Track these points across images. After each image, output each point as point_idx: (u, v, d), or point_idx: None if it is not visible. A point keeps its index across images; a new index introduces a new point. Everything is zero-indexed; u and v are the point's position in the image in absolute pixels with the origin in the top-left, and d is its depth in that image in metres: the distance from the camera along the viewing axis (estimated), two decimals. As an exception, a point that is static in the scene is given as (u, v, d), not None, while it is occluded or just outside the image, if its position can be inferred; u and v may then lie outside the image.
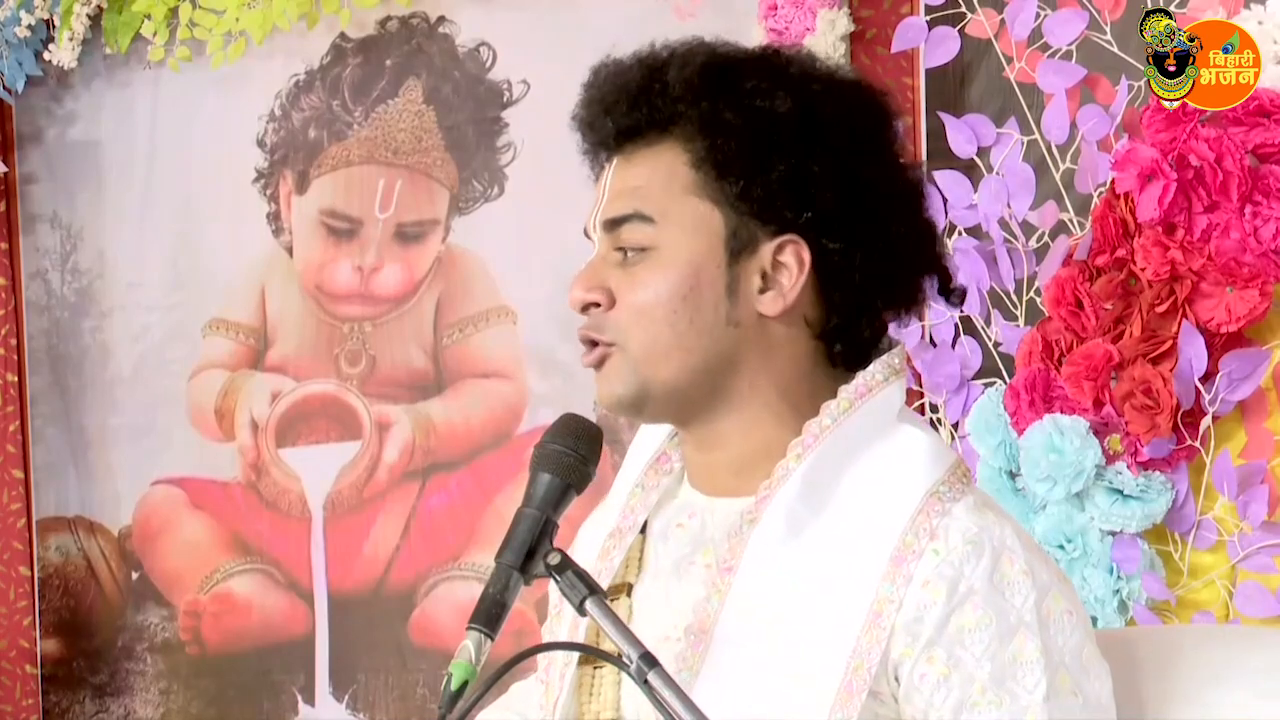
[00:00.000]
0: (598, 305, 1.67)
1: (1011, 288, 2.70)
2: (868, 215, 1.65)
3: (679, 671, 1.60)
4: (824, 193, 1.64)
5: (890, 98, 1.74)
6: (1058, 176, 2.69)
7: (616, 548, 1.72)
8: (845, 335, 1.68)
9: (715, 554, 1.67)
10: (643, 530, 1.73)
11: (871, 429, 1.65)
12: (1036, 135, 2.71)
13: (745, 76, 1.66)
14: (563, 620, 1.75)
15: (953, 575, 1.59)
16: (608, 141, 1.70)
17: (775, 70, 1.68)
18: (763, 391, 1.67)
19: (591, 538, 1.77)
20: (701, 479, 1.72)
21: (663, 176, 1.66)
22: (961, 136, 2.74)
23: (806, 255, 1.64)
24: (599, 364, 1.68)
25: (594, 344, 1.68)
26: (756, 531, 1.64)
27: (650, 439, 1.78)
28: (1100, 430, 2.53)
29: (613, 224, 1.67)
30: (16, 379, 3.82)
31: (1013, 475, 2.61)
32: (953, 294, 1.75)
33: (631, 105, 1.68)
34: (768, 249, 1.65)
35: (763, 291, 1.65)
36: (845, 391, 1.66)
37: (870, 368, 1.67)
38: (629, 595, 1.70)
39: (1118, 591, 2.52)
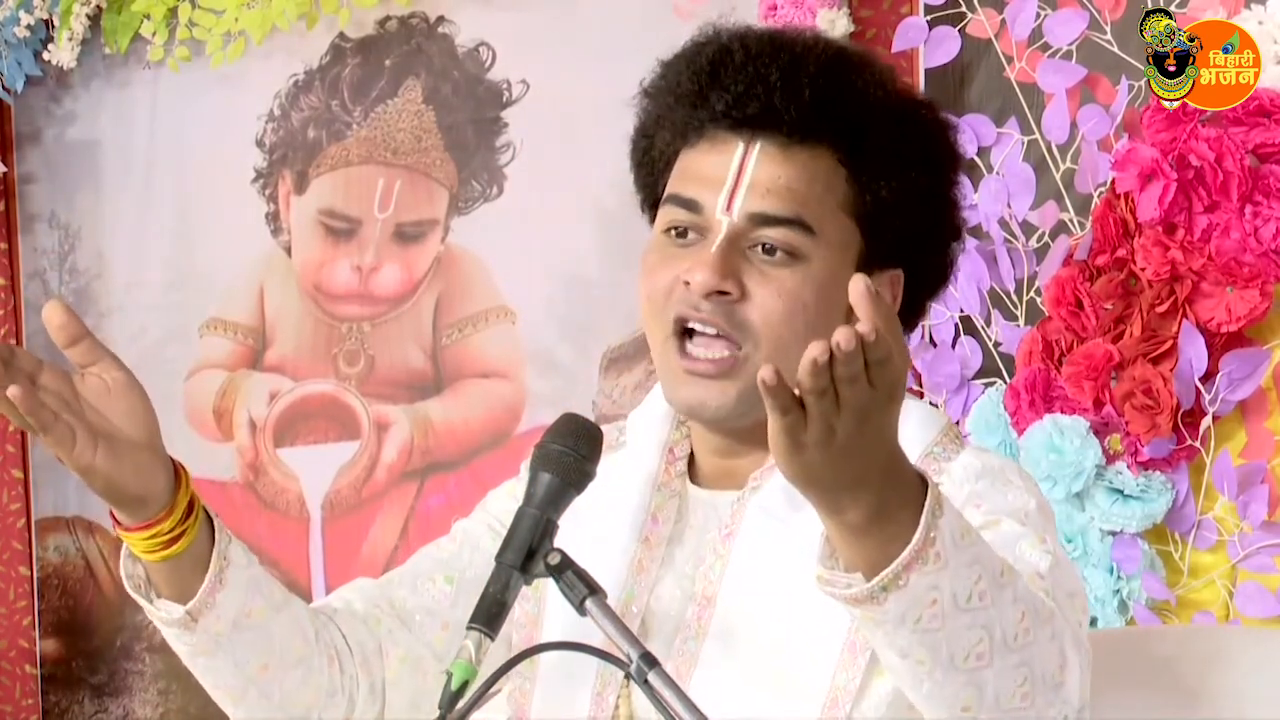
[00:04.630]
0: (727, 294, 1.62)
1: (1012, 288, 2.70)
2: (940, 259, 1.71)
3: (687, 640, 1.61)
4: (935, 239, 1.69)
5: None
6: (1058, 176, 2.69)
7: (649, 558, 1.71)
8: None
9: (719, 521, 1.68)
10: None
11: None
12: (1037, 135, 2.71)
13: (923, 109, 1.69)
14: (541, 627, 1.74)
15: (955, 490, 1.60)
16: (739, 128, 1.63)
17: (930, 114, 1.70)
18: None
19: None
20: (714, 478, 1.72)
21: (821, 186, 1.63)
22: (962, 136, 2.73)
23: (900, 286, 1.68)
24: (725, 371, 1.62)
25: (721, 338, 1.62)
26: (756, 499, 1.65)
27: (650, 422, 1.76)
28: (1100, 430, 2.53)
29: (768, 220, 1.62)
30: (15, 379, 3.82)
31: (1013, 475, 2.61)
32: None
33: (785, 98, 1.62)
34: (883, 279, 1.66)
35: None
36: None
37: None
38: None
39: (1118, 591, 2.52)
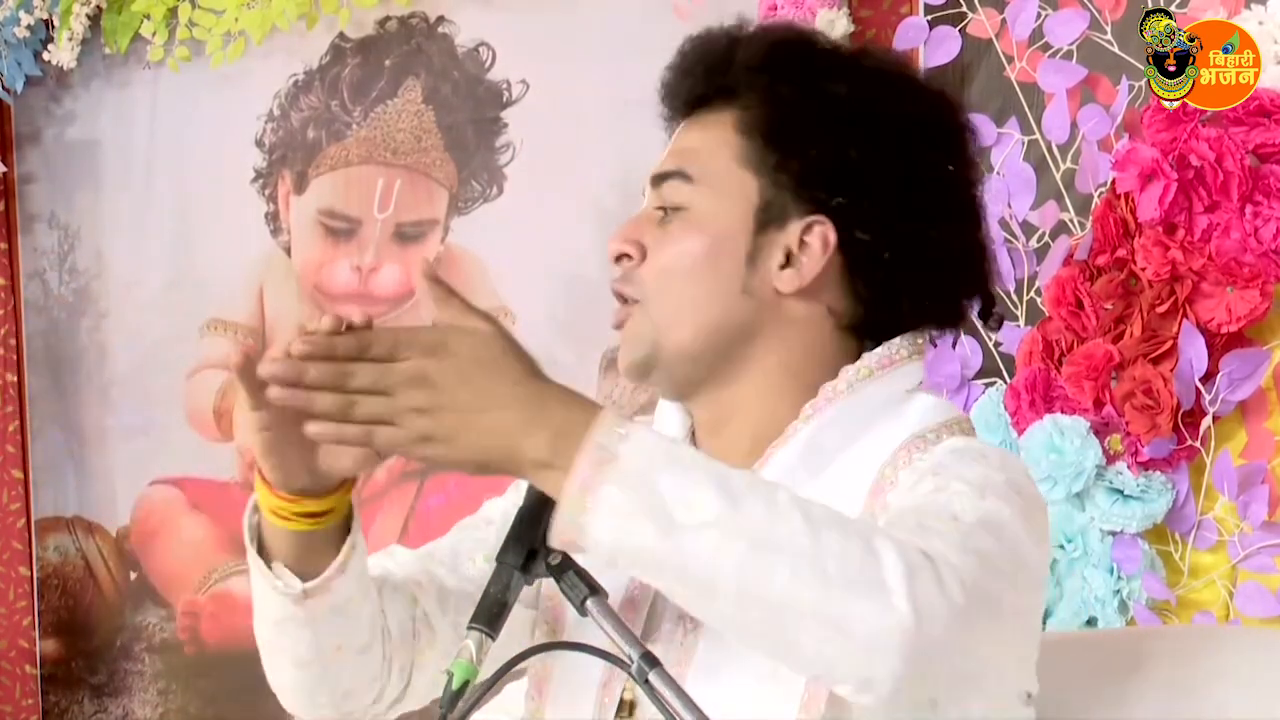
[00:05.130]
0: (629, 258, 1.68)
1: (1012, 288, 2.70)
2: (905, 215, 1.63)
3: (688, 633, 1.61)
4: (860, 181, 1.62)
5: (971, 122, 1.72)
6: (1058, 176, 2.69)
7: None
8: (868, 330, 1.67)
9: None
10: None
11: (886, 401, 1.64)
12: (1037, 135, 2.71)
13: (815, 59, 1.66)
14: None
15: (926, 462, 1.57)
16: (680, 107, 1.70)
17: (848, 59, 1.68)
18: (773, 367, 1.66)
19: None
20: (719, 446, 1.72)
21: (713, 140, 1.66)
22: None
23: (832, 239, 1.63)
24: (621, 325, 1.70)
25: (623, 300, 1.69)
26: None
27: (663, 414, 1.77)
28: (1100, 430, 2.53)
29: (657, 179, 1.68)
30: (15, 379, 3.82)
31: (1013, 475, 2.61)
32: (991, 318, 1.74)
33: (706, 73, 1.68)
34: (796, 226, 1.63)
35: (783, 268, 1.64)
36: (868, 358, 1.65)
37: (895, 340, 1.66)
38: None
39: (1118, 591, 2.52)
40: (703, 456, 1.41)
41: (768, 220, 1.64)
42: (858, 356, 1.66)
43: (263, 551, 1.58)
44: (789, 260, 1.64)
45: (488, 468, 1.41)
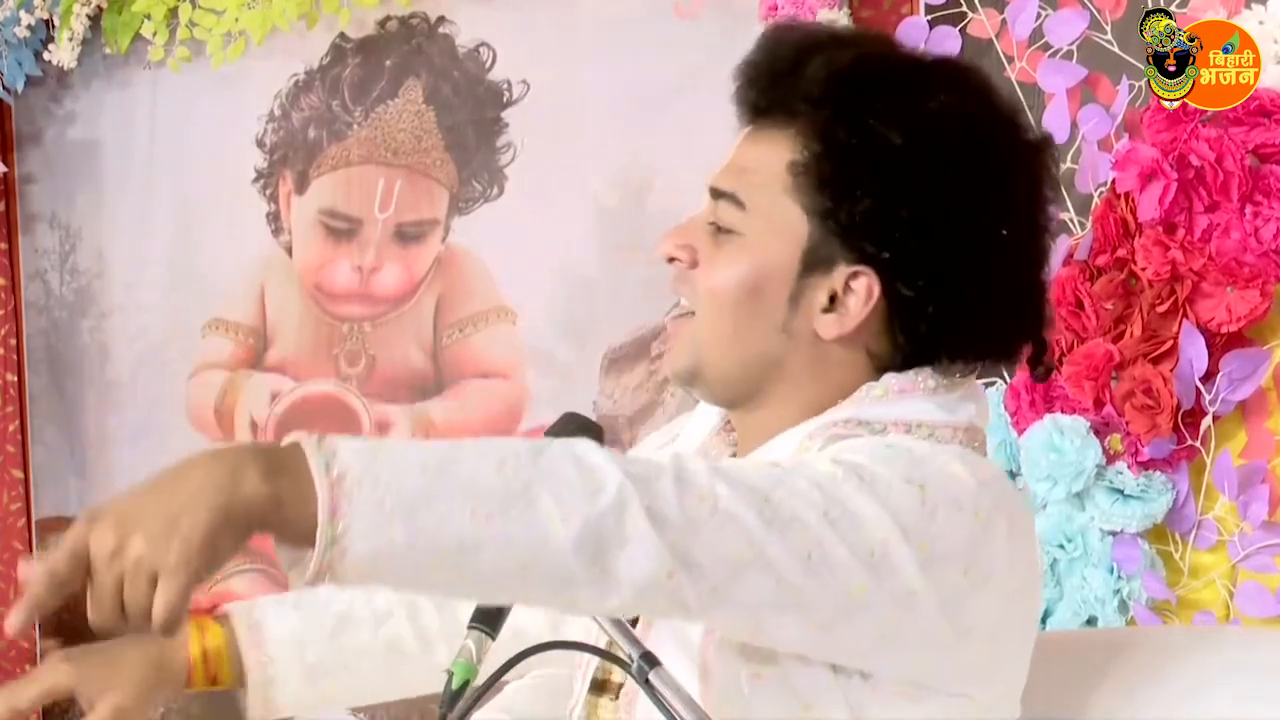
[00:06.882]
0: (676, 260, 1.66)
1: (1012, 288, 2.70)
2: (954, 271, 1.60)
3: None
4: (907, 236, 1.59)
5: (1048, 144, 1.69)
6: (1058, 176, 2.69)
7: None
8: (904, 369, 1.64)
9: None
10: None
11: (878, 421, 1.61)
12: (1037, 135, 2.70)
13: (880, 93, 1.60)
14: None
15: (850, 446, 1.55)
16: (744, 112, 1.67)
17: (917, 92, 1.61)
18: (806, 404, 1.64)
19: None
20: (743, 452, 1.71)
21: (769, 167, 1.63)
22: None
23: (876, 290, 1.60)
24: (679, 331, 1.70)
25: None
26: None
27: (706, 416, 1.77)
28: (1101, 430, 2.53)
29: (714, 194, 1.66)
30: (16, 379, 3.82)
31: (1013, 475, 2.61)
32: (1040, 366, 1.70)
33: (770, 84, 1.65)
34: (842, 273, 1.61)
35: (826, 311, 1.62)
36: (888, 381, 1.63)
37: (925, 369, 1.63)
38: None
39: (1118, 591, 2.52)
40: (399, 441, 1.39)
41: (814, 262, 1.61)
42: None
43: None
44: (832, 304, 1.62)
45: (231, 532, 1.31)
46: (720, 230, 1.64)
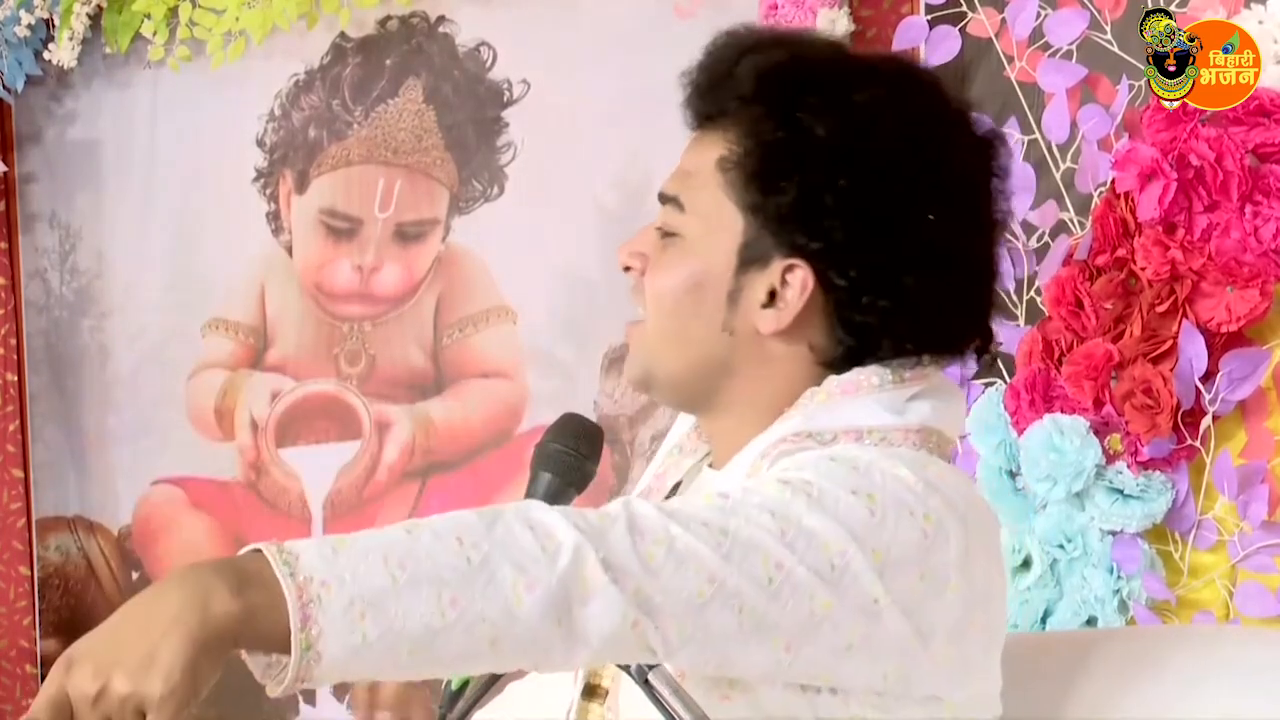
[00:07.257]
0: (629, 269, 1.68)
1: (1011, 287, 2.70)
2: (886, 262, 1.60)
3: None
4: (835, 225, 1.59)
5: (1000, 143, 1.67)
6: (1058, 176, 2.69)
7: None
8: (850, 365, 1.63)
9: None
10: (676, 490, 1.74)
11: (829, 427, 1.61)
12: (1037, 135, 2.71)
13: (809, 88, 1.61)
14: None
15: (795, 463, 1.54)
16: (690, 118, 1.69)
17: (847, 87, 1.61)
18: (753, 401, 1.65)
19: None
20: (716, 460, 1.73)
21: (706, 168, 1.65)
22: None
23: (810, 282, 1.61)
24: (631, 336, 1.70)
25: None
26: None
27: (684, 426, 1.79)
28: (1100, 430, 2.53)
29: (661, 200, 1.68)
30: (16, 379, 3.82)
31: (1013, 475, 2.61)
32: (982, 354, 1.69)
33: (709, 88, 1.67)
34: (778, 267, 1.62)
35: (765, 307, 1.63)
36: (830, 383, 1.63)
37: (869, 367, 1.62)
38: None
39: (1118, 591, 2.52)
40: (355, 535, 1.38)
41: (750, 258, 1.62)
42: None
43: None
44: (772, 299, 1.62)
45: (209, 654, 1.36)
46: (665, 235, 1.66)
